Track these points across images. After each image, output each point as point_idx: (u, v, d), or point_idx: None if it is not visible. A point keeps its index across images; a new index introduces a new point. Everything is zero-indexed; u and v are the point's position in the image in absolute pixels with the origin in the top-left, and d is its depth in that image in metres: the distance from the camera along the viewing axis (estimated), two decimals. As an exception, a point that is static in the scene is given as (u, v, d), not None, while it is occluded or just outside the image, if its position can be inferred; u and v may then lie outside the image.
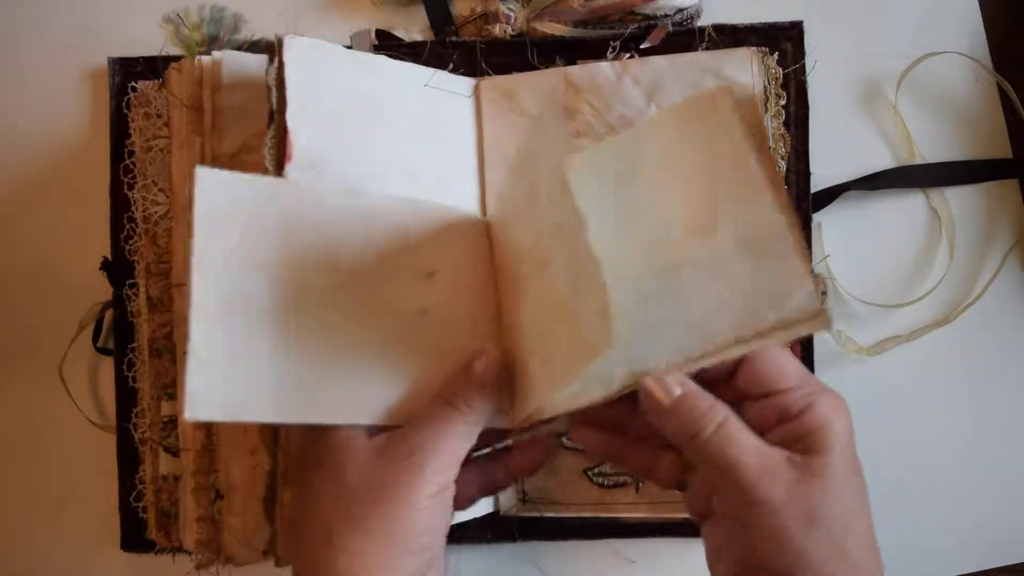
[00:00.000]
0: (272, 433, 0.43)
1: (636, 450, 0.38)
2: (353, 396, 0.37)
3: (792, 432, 0.33)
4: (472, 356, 0.38)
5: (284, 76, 0.41)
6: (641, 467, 0.38)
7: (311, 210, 0.38)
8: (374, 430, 0.36)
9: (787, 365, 0.35)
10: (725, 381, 0.36)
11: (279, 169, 0.40)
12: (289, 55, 0.41)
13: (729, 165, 0.36)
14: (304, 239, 0.37)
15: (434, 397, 0.37)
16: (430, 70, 0.48)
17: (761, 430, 0.34)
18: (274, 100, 0.41)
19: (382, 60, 0.47)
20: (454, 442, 0.36)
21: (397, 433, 0.36)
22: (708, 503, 0.35)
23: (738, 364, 0.35)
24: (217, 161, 0.47)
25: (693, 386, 0.34)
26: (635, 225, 0.37)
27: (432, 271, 0.40)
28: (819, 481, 0.32)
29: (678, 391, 0.34)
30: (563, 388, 0.35)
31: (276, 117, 0.41)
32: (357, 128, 0.44)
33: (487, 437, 0.39)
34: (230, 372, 0.34)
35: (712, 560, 0.35)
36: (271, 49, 0.42)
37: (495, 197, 0.49)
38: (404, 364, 0.38)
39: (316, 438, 0.37)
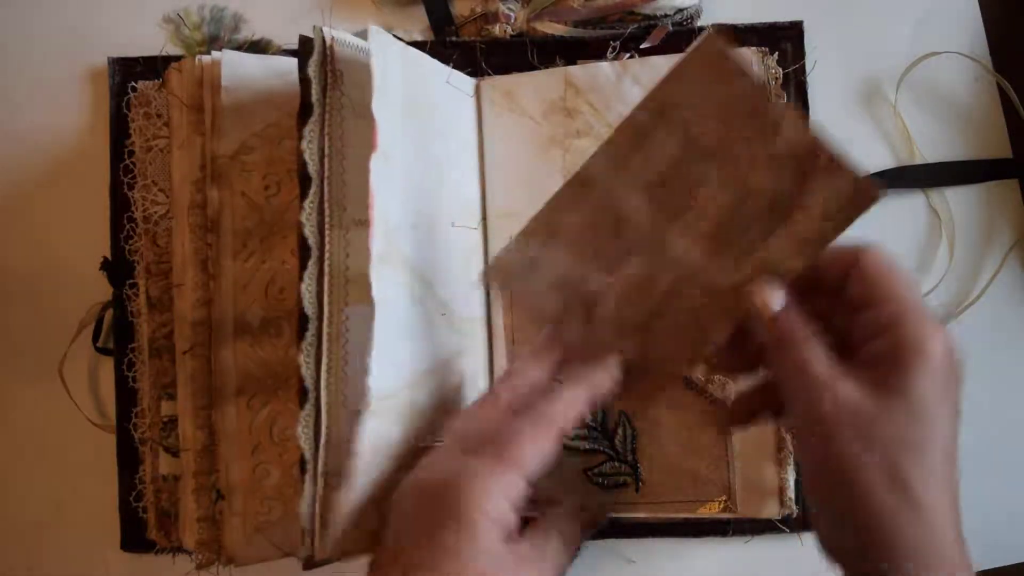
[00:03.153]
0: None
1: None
2: None
3: (874, 350, 0.33)
4: None
5: (372, 65, 0.38)
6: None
7: None
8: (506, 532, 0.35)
9: (890, 280, 0.34)
10: (839, 290, 0.35)
11: (323, 162, 0.39)
12: (374, 43, 0.39)
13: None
14: None
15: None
16: (448, 68, 0.48)
17: (862, 343, 0.34)
18: (313, 92, 0.40)
19: (420, 55, 0.46)
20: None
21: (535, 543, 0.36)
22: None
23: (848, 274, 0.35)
24: (215, 162, 0.47)
25: (794, 305, 0.35)
26: None
27: None
28: (884, 401, 0.31)
29: (778, 305, 0.35)
30: None
31: (317, 109, 0.40)
32: (407, 122, 0.43)
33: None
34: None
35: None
36: (304, 43, 0.41)
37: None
38: None
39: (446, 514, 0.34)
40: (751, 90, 0.34)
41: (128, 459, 0.51)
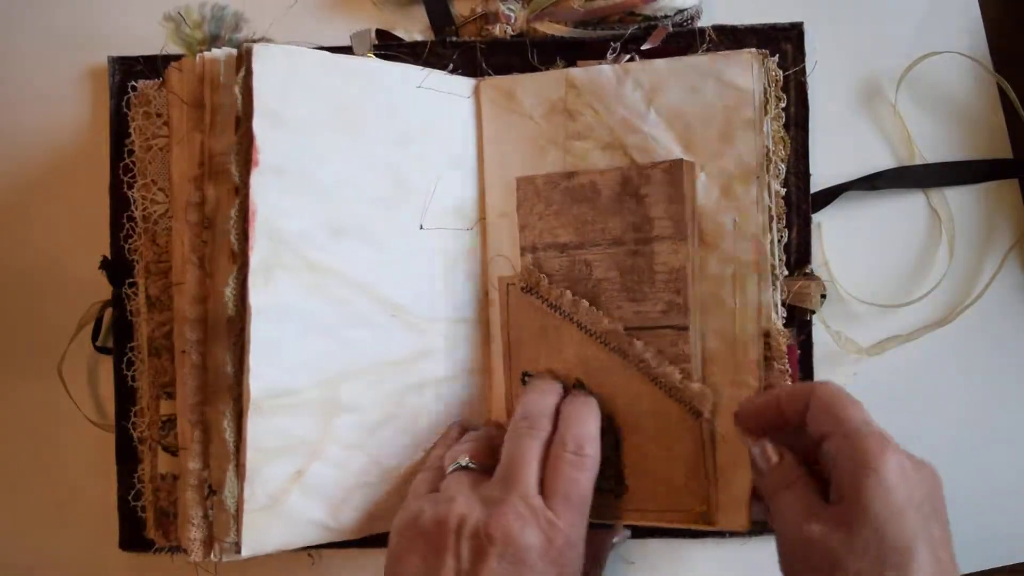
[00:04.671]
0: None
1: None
2: None
3: (835, 483, 0.35)
4: None
5: (251, 84, 0.41)
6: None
7: None
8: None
9: (836, 410, 0.37)
10: (802, 426, 0.39)
11: (244, 175, 0.41)
12: (258, 64, 0.41)
13: None
14: None
15: None
16: (425, 71, 0.48)
17: (832, 465, 0.36)
18: (240, 107, 0.42)
19: (370, 63, 0.47)
20: None
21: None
22: None
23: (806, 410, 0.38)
24: (213, 159, 0.47)
25: (789, 456, 0.39)
26: None
27: None
28: (850, 535, 0.33)
29: (775, 458, 0.39)
30: None
31: (242, 124, 0.42)
32: (333, 133, 0.44)
33: None
34: None
35: None
36: (237, 59, 0.43)
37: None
38: None
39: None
40: None
41: (127, 458, 0.51)
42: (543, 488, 0.39)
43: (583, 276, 0.47)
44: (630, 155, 0.47)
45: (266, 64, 0.42)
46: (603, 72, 0.48)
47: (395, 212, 0.47)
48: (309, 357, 0.43)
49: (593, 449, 0.41)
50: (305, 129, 0.43)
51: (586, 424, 0.42)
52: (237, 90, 0.42)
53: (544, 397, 0.44)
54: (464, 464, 0.41)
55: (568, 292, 0.47)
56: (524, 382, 0.48)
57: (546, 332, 0.48)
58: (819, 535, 0.34)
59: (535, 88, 0.49)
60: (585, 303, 0.47)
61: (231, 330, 0.42)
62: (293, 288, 0.43)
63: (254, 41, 0.44)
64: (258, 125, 0.41)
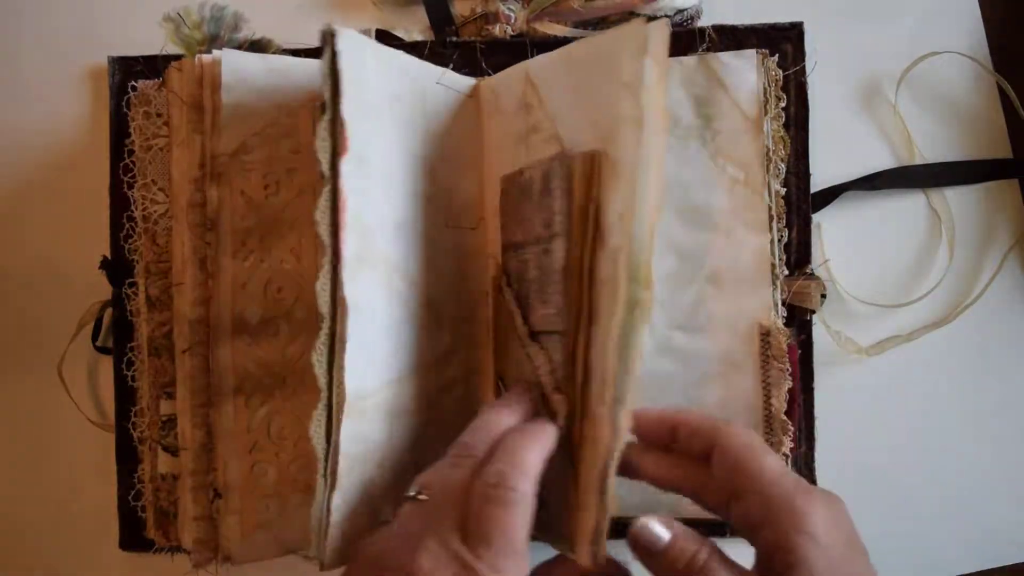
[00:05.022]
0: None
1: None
2: None
3: (761, 545, 0.34)
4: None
5: (338, 66, 0.38)
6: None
7: None
8: None
9: (750, 469, 0.35)
10: (706, 460, 0.36)
11: (334, 162, 0.39)
12: (341, 45, 0.39)
13: None
14: None
15: None
16: (440, 68, 0.48)
17: (752, 527, 0.34)
18: (327, 92, 0.39)
19: (406, 57, 0.46)
20: None
21: None
22: None
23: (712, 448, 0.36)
24: (215, 160, 0.47)
25: (680, 528, 0.35)
26: None
27: None
28: None
29: (667, 536, 0.35)
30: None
31: (330, 109, 0.39)
32: (389, 124, 0.43)
33: None
34: None
35: None
36: (315, 50, 0.40)
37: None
38: None
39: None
40: None
41: (127, 458, 0.51)
42: (466, 528, 0.34)
43: (524, 277, 0.43)
44: (562, 146, 0.42)
45: (348, 46, 0.39)
46: (551, 59, 0.45)
47: (432, 207, 0.46)
48: (378, 356, 0.41)
49: (522, 483, 0.34)
50: (373, 117, 0.41)
51: (518, 454, 0.35)
52: (324, 72, 0.39)
53: (492, 421, 0.38)
54: (412, 495, 0.36)
55: (511, 294, 0.44)
56: (500, 386, 0.46)
57: (512, 335, 0.45)
58: None
59: (507, 83, 0.47)
60: (514, 305, 0.44)
61: (319, 327, 0.39)
62: (371, 284, 0.40)
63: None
64: (346, 109, 0.38)
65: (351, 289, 0.38)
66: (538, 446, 0.37)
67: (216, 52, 0.47)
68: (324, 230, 0.38)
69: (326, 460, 0.39)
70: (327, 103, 0.39)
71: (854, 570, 0.33)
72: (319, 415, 0.39)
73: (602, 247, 0.37)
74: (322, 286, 0.39)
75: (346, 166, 0.38)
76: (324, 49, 0.39)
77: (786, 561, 0.32)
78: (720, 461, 0.35)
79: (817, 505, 0.33)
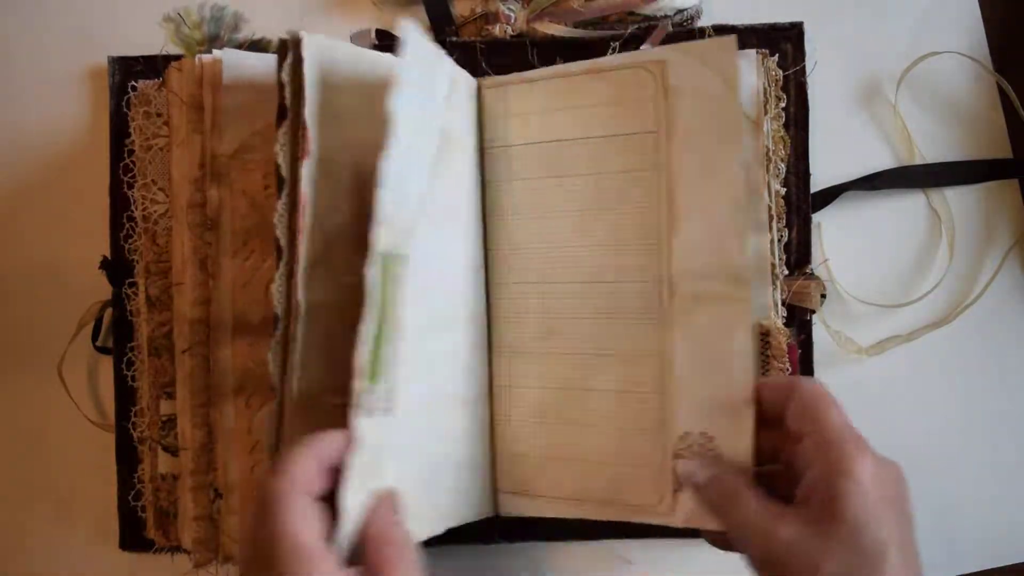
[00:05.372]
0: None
1: None
2: None
3: (808, 482, 0.35)
4: None
5: (302, 72, 0.39)
6: None
7: None
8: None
9: (818, 410, 0.36)
10: (780, 423, 0.38)
11: (294, 165, 0.39)
12: (307, 51, 0.39)
13: None
14: None
15: None
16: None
17: (801, 469, 0.36)
18: (287, 96, 0.40)
19: (389, 59, 0.46)
20: None
21: None
22: None
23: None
24: (215, 160, 0.47)
25: (717, 468, 0.39)
26: None
27: None
28: (824, 536, 0.33)
29: (705, 473, 0.39)
30: None
31: (290, 113, 0.40)
32: (368, 127, 0.43)
33: None
34: None
35: None
36: (281, 47, 0.40)
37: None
38: None
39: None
40: None
41: (127, 458, 0.51)
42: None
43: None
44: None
45: (314, 52, 0.40)
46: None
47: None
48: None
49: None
50: (343, 121, 0.41)
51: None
52: (285, 77, 0.40)
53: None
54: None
55: None
56: None
57: None
58: (795, 538, 0.34)
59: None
60: None
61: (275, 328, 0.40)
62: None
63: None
64: (309, 114, 0.39)
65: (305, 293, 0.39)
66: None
67: (216, 52, 0.47)
68: (281, 233, 0.39)
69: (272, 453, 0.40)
70: (287, 107, 0.40)
71: (890, 524, 0.33)
72: (270, 415, 0.40)
73: None
74: (278, 288, 0.39)
75: (306, 169, 0.39)
76: (287, 55, 0.40)
77: (823, 497, 0.34)
78: (795, 407, 0.37)
79: (868, 457, 0.34)
